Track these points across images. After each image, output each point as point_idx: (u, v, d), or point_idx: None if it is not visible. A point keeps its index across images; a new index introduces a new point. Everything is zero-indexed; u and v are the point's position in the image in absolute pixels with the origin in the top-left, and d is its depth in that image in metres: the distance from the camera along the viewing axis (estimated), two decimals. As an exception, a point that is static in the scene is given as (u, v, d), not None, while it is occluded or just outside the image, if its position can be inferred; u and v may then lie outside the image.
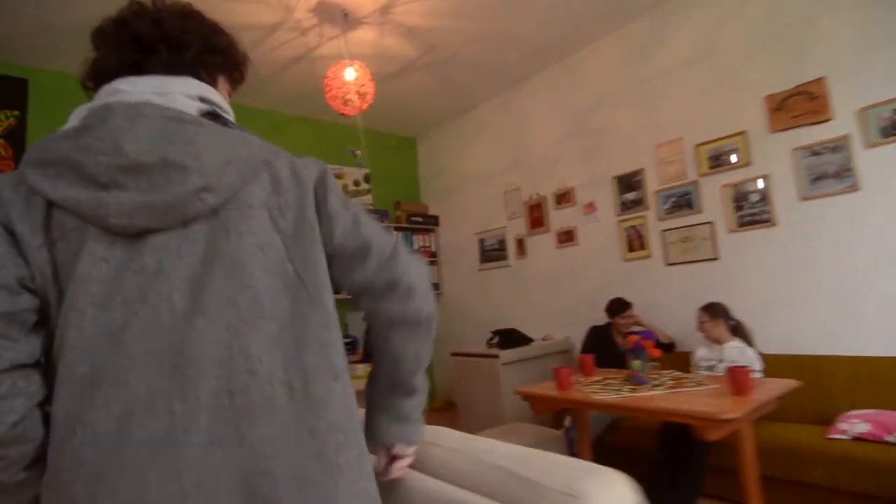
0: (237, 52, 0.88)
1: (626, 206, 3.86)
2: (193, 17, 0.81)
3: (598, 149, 4.05)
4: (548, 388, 2.36)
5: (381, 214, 5.32)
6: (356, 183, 5.37)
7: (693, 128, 3.46)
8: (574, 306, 4.22)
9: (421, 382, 0.90)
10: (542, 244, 4.49)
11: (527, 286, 4.62)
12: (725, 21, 3.28)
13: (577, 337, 4.17)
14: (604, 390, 2.18)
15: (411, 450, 0.94)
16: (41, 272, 0.67)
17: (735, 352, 2.96)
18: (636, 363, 2.23)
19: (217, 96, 0.80)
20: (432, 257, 5.59)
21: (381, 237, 0.81)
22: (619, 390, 2.17)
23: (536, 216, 4.54)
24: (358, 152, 3.95)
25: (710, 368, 3.02)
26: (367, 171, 5.16)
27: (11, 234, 0.66)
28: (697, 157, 3.43)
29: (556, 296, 4.35)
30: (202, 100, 0.76)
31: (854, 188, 2.77)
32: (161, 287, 0.67)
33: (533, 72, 4.48)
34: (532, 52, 4.14)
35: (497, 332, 4.06)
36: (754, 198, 3.17)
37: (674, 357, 3.40)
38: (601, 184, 4.03)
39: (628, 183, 3.84)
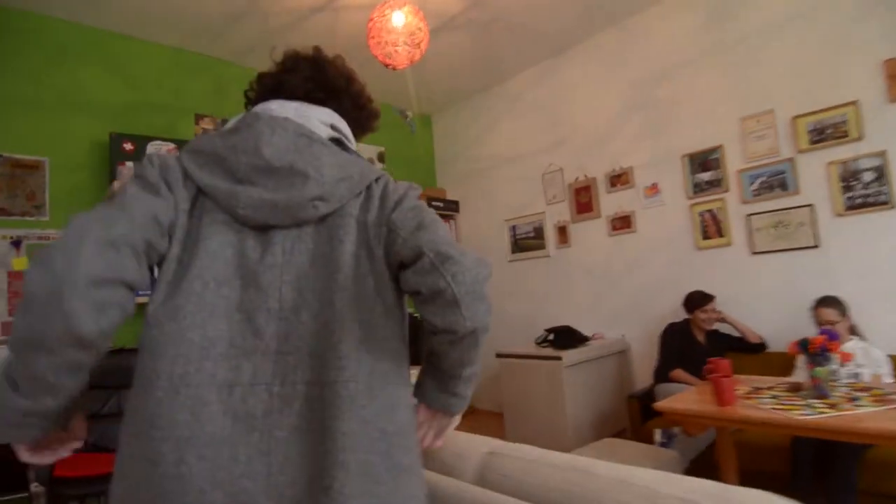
0: (375, 121, 1.01)
1: (699, 188, 3.43)
2: (364, 87, 0.98)
3: (664, 124, 3.61)
4: (700, 403, 1.87)
5: (396, 198, 4.71)
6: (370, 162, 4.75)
7: (788, 98, 3.06)
8: (630, 301, 3.77)
9: (469, 371, 0.84)
10: (591, 231, 4.02)
11: (569, 279, 4.15)
12: (833, -25, 2.89)
13: (634, 336, 3.74)
14: (789, 408, 1.71)
15: (453, 420, 0.93)
16: (174, 232, 0.76)
17: (858, 353, 2.56)
18: (821, 370, 1.78)
19: (345, 127, 0.91)
20: (452, 247, 5.03)
21: (438, 243, 0.73)
22: (807, 405, 1.71)
23: (584, 200, 4.07)
24: (409, 114, 3.33)
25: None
26: (380, 147, 4.39)
27: (171, 193, 0.78)
28: (794, 131, 3.03)
29: (608, 289, 3.89)
30: (332, 127, 0.88)
31: None
32: (274, 278, 0.75)
33: (584, 36, 3.99)
34: (587, 12, 3.65)
35: (552, 331, 3.56)
36: (868, 177, 2.79)
37: (765, 358, 3.01)
38: (667, 163, 3.59)
39: (703, 162, 3.42)
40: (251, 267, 0.74)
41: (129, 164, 3.17)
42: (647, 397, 3.05)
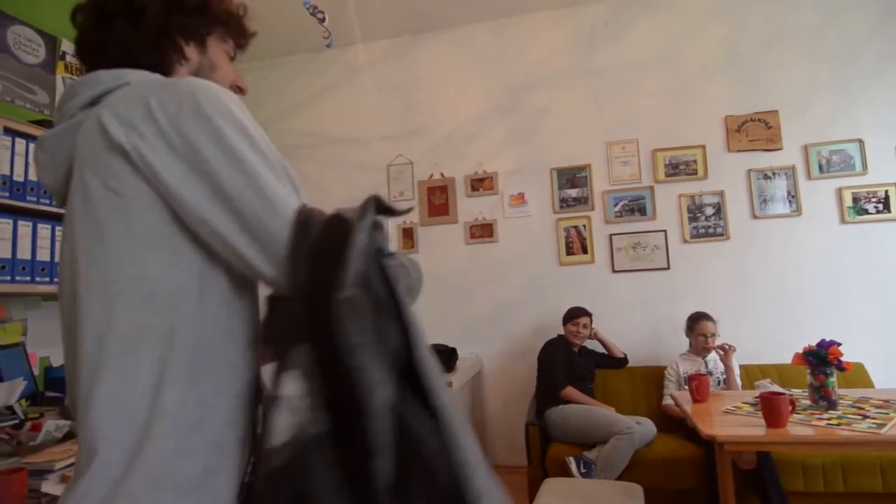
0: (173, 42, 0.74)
1: (566, 204, 3.41)
2: None
3: (534, 134, 3.49)
4: (751, 429, 1.62)
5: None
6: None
7: (649, 132, 3.33)
8: (486, 316, 3.44)
9: None
10: (445, 237, 3.56)
11: (412, 290, 3.55)
12: (689, 35, 3.31)
13: (488, 354, 3.42)
14: (839, 422, 1.61)
15: None
16: None
17: (721, 364, 2.86)
18: (832, 381, 1.76)
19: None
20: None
21: None
22: (830, 420, 1.65)
23: (438, 202, 3.59)
24: (322, 13, 2.21)
25: (700, 383, 2.83)
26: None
27: None
28: (654, 163, 3.30)
29: (461, 302, 3.48)
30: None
31: (797, 213, 3.11)
32: None
33: (453, 22, 3.59)
34: (455, 1, 3.32)
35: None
36: (709, 211, 3.23)
37: (629, 372, 3.09)
38: (535, 174, 3.47)
39: (571, 178, 3.42)
40: None
41: None
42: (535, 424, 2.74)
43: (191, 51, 0.70)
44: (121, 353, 0.51)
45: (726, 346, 2.73)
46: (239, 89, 0.75)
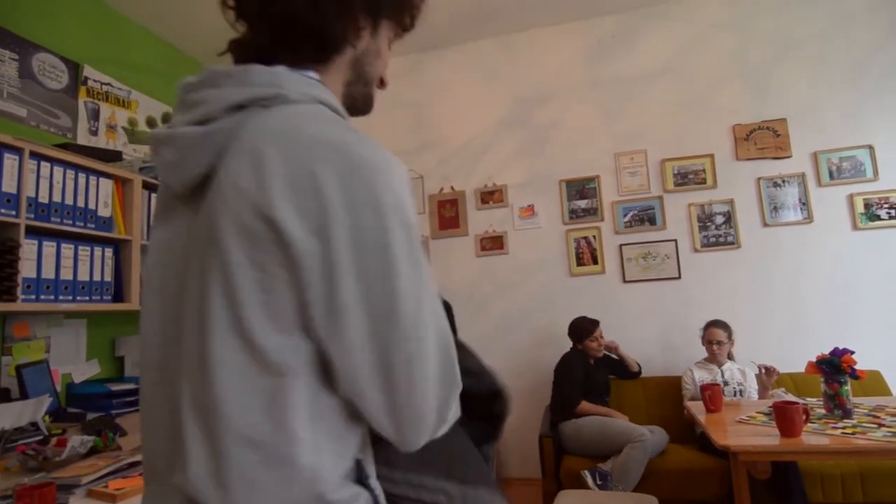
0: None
1: (576, 215, 3.43)
2: None
3: (543, 146, 3.53)
4: (765, 438, 1.62)
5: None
6: (150, 122, 3.25)
7: (658, 142, 3.35)
8: (494, 327, 3.46)
9: None
10: (456, 250, 3.59)
11: (424, 302, 3.58)
12: (696, 45, 3.34)
13: (500, 366, 3.38)
14: (854, 430, 1.61)
15: None
16: None
17: (737, 373, 2.84)
18: (846, 389, 1.75)
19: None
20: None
21: None
22: (845, 429, 1.64)
23: (449, 215, 3.62)
24: None
25: (714, 393, 2.81)
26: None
27: None
28: (663, 172, 3.32)
29: (472, 314, 3.49)
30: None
31: (808, 220, 3.10)
32: None
33: (459, 39, 3.66)
34: (464, 19, 3.38)
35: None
36: (719, 220, 3.23)
37: (642, 383, 3.08)
38: (544, 186, 3.50)
39: (580, 189, 3.44)
40: None
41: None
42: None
43: (364, 33, 0.60)
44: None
45: (771, 369, 2.63)
46: (382, 83, 0.68)
